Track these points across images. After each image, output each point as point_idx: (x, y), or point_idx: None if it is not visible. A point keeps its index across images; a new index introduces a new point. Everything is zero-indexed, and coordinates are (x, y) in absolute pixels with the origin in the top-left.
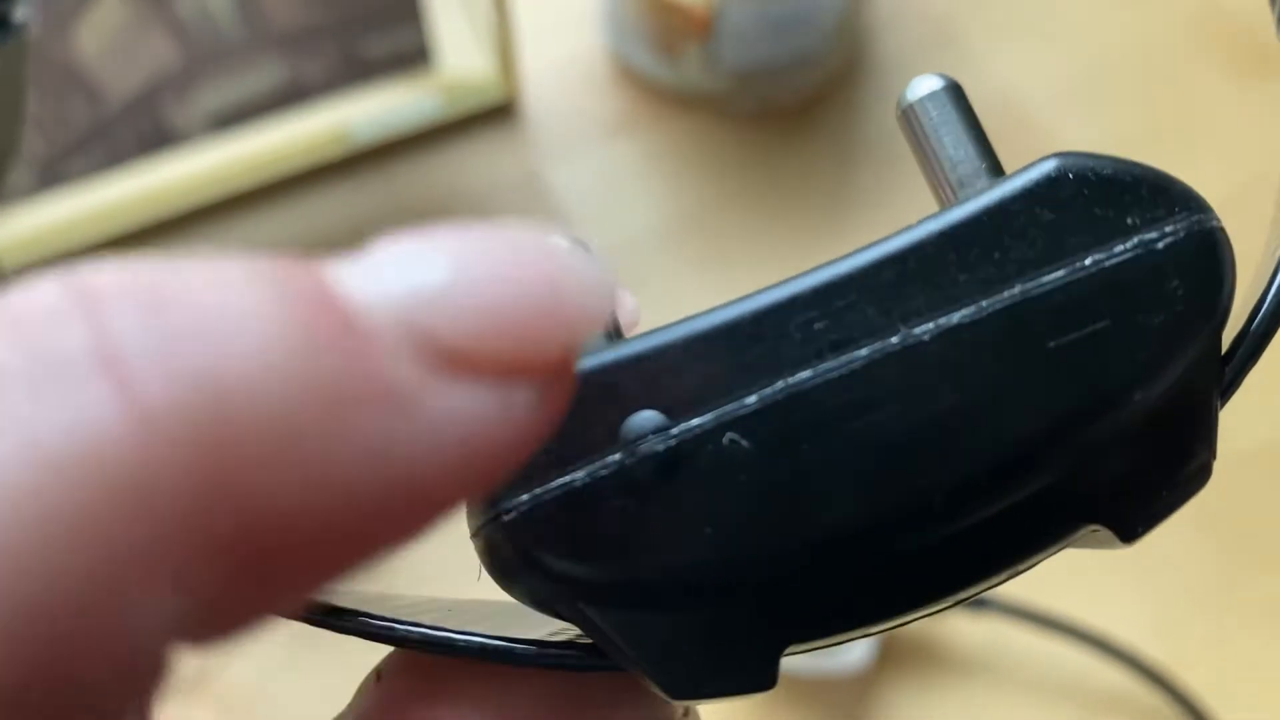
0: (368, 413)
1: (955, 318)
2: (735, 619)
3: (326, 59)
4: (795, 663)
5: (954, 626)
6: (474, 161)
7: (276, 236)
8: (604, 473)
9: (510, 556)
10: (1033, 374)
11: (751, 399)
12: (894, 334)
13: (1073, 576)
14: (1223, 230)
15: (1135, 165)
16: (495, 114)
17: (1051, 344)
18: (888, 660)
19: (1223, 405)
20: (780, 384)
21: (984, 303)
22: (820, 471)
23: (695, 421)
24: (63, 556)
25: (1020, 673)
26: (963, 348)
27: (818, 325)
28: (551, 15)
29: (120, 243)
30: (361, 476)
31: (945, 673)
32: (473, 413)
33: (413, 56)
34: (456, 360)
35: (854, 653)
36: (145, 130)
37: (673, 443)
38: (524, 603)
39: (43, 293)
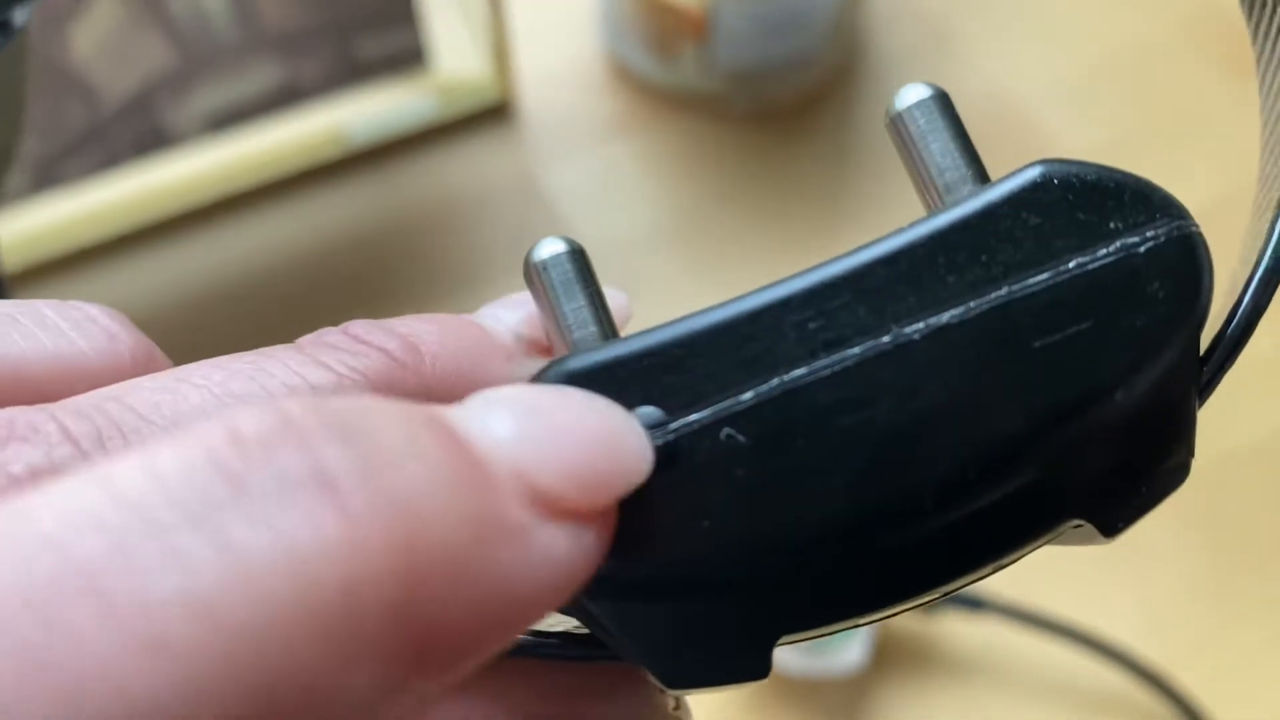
0: (503, 544)
1: (944, 317)
2: (730, 610)
3: (322, 60)
4: (791, 663)
5: (949, 627)
6: (470, 162)
7: (273, 238)
8: None
9: None
10: (1018, 372)
11: (748, 395)
12: (885, 333)
13: (1067, 577)
14: (1201, 235)
15: (1117, 172)
16: (491, 115)
17: (1036, 344)
18: (883, 661)
19: (1201, 404)
20: (776, 381)
21: (972, 303)
22: (814, 466)
23: (693, 417)
24: (300, 642)
25: (1015, 673)
26: (951, 347)
27: (812, 324)
28: (547, 16)
29: (118, 244)
30: (497, 592)
31: (941, 673)
32: (558, 547)
33: (408, 57)
34: (550, 506)
35: (850, 653)
36: (141, 131)
37: (670, 437)
38: None
39: (255, 419)
